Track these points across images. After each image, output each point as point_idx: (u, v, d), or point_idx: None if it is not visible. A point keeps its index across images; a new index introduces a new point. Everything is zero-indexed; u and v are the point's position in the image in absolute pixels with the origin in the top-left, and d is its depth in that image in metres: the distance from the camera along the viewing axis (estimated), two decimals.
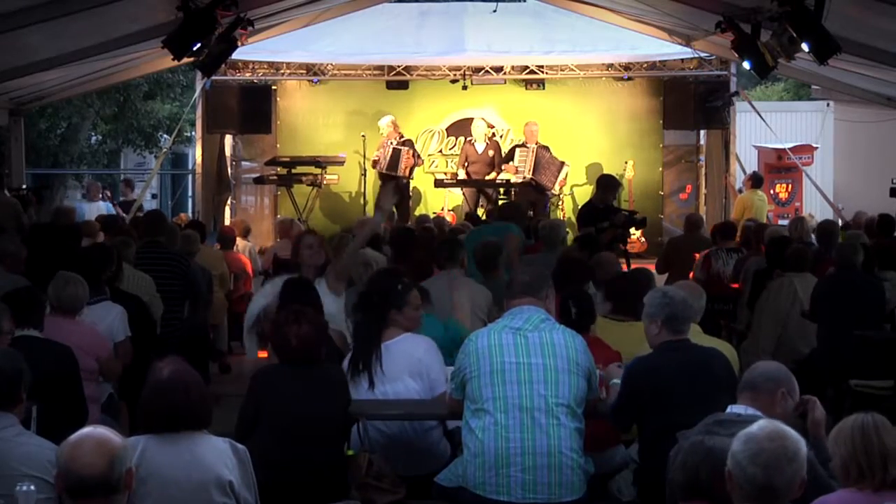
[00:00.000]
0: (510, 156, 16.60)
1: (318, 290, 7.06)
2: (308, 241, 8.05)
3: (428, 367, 6.19)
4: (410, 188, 17.19)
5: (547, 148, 16.53)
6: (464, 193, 16.93)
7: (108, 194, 21.03)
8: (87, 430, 3.76)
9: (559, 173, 16.42)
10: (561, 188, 16.59)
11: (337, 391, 5.68)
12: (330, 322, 7.06)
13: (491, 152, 16.79)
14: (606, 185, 13.06)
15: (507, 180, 16.42)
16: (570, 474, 5.33)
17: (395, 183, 14.56)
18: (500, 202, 16.55)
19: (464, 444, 5.46)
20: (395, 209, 15.31)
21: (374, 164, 16.63)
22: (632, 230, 15.15)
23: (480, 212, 16.24)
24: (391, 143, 16.51)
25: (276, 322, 5.76)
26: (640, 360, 5.73)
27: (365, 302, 6.42)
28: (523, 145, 16.59)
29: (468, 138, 17.23)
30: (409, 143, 16.68)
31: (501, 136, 17.58)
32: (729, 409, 4.58)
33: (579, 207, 14.73)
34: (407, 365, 6.19)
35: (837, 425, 4.03)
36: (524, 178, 16.21)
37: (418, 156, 16.78)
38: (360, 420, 5.96)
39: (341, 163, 16.78)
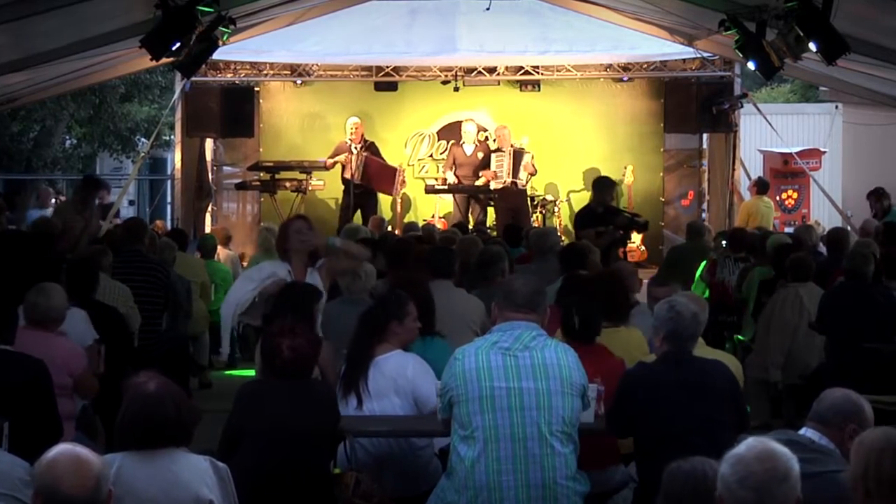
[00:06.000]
0: (486, 163, 16.64)
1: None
2: (297, 226, 7.74)
3: (416, 385, 6.19)
4: (401, 193, 17.23)
5: (522, 150, 16.61)
6: (455, 199, 16.92)
7: (63, 199, 20.97)
8: (62, 447, 3.75)
9: (521, 162, 16.43)
10: (529, 175, 16.55)
11: (325, 407, 5.67)
12: None
13: (480, 155, 16.82)
14: (602, 185, 13.10)
15: (486, 185, 16.46)
16: (566, 503, 5.30)
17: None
18: (492, 208, 16.64)
19: (451, 468, 5.38)
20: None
21: (344, 170, 16.41)
22: (633, 235, 15.20)
23: (471, 219, 16.26)
24: (355, 147, 16.44)
25: (270, 332, 5.76)
26: (640, 365, 5.77)
27: (367, 316, 6.42)
28: (498, 150, 16.64)
29: (457, 140, 17.26)
30: (373, 148, 16.67)
31: (495, 140, 17.59)
32: (803, 431, 4.57)
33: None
34: (394, 383, 6.20)
35: (859, 437, 4.00)
36: (504, 182, 16.26)
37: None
38: (347, 437, 5.96)
39: (327, 168, 16.75)
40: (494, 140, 17.19)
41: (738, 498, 3.57)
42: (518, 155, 16.47)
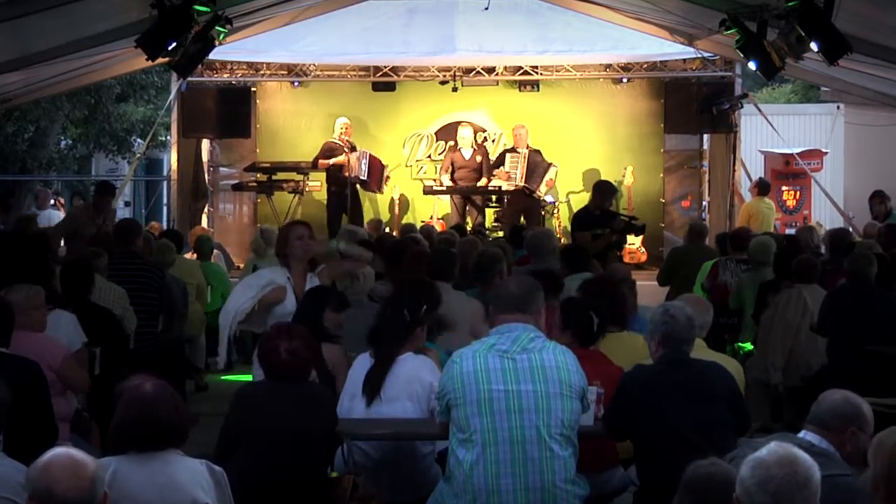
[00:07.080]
0: (500, 161, 16.59)
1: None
2: (299, 232, 7.68)
3: (432, 390, 6.08)
4: (399, 194, 17.25)
5: (538, 152, 16.57)
6: (452, 200, 16.90)
7: (61, 201, 20.95)
8: (57, 450, 3.76)
9: (545, 175, 16.44)
10: (549, 189, 16.59)
11: (323, 409, 5.66)
12: None
13: (479, 158, 16.76)
14: (603, 190, 13.18)
15: (499, 187, 16.39)
16: None
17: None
18: (491, 210, 16.61)
19: (449, 472, 5.38)
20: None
21: (341, 170, 16.38)
22: (631, 237, 15.21)
23: (468, 221, 16.23)
24: (345, 148, 16.45)
25: (267, 335, 5.76)
26: (638, 367, 5.78)
27: (397, 319, 6.38)
28: (513, 150, 16.61)
29: (453, 144, 17.24)
30: (356, 149, 16.67)
31: (494, 141, 17.59)
32: (802, 434, 4.56)
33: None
34: (408, 387, 6.17)
35: (877, 438, 3.99)
36: (516, 185, 16.22)
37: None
38: (344, 441, 5.95)
39: (324, 168, 16.73)
40: (497, 140, 17.20)
41: (757, 502, 3.56)
42: (540, 163, 16.42)
